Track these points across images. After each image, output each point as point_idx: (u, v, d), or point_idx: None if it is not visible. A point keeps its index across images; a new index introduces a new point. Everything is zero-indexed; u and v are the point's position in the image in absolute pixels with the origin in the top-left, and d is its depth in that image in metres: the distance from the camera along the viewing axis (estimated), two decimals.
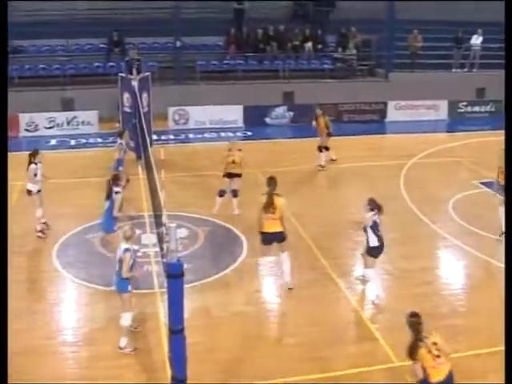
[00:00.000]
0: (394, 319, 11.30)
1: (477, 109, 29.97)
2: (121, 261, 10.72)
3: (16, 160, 21.88)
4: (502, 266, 10.47)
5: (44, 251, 14.66)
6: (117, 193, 13.40)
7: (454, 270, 14.43)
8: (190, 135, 25.97)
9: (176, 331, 8.53)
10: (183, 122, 27.01)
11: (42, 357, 10.83)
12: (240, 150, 16.91)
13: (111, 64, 28.42)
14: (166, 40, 29.27)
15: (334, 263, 14.06)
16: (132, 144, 20.72)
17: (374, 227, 12.24)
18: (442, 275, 14.07)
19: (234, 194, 16.83)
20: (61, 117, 25.90)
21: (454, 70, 31.45)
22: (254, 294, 13.00)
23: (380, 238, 12.31)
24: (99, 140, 24.51)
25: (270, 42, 30.27)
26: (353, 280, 13.48)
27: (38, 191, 15.71)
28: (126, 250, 10.68)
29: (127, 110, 21.60)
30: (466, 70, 31.68)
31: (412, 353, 8.38)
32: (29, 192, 15.68)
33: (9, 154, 20.06)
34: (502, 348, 8.57)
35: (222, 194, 16.79)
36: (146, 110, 21.25)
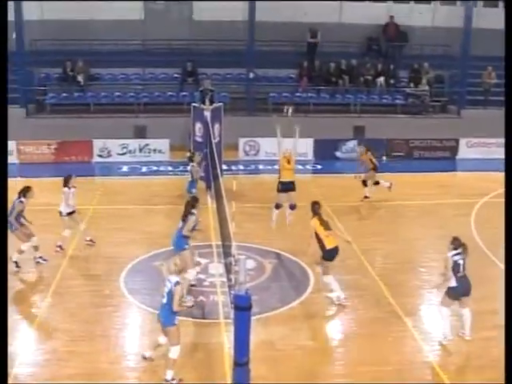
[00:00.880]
0: (462, 362, 11.04)
1: None
2: (171, 294, 10.35)
3: (88, 185, 22.49)
4: None
5: (112, 276, 14.82)
6: (192, 214, 13.63)
7: None
8: (260, 166, 26.09)
9: (241, 364, 8.50)
10: (253, 153, 27.20)
11: (105, 381, 10.90)
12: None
13: (184, 93, 28.93)
14: (238, 71, 29.63)
15: (400, 301, 13.83)
16: (202, 173, 20.92)
17: (455, 268, 11.91)
18: None
19: (291, 207, 17.01)
20: (133, 144, 26.39)
21: None
22: (319, 328, 12.90)
23: (460, 280, 11.95)
24: (170, 168, 24.85)
25: (342, 76, 30.32)
26: (419, 319, 13.24)
27: (69, 213, 16.41)
28: (177, 283, 10.36)
29: (198, 139, 21.84)
30: None
31: None
32: (60, 213, 16.45)
33: (81, 178, 20.78)
34: None
35: (278, 206, 16.99)
36: (217, 140, 21.44)
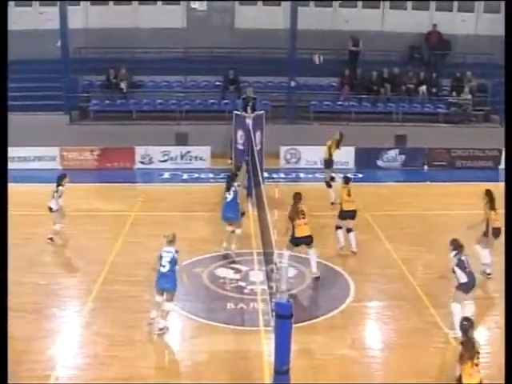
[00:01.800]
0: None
1: None
2: (174, 261, 12.69)
3: (129, 192, 22.71)
4: None
5: (152, 282, 14.84)
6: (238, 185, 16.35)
7: None
8: (301, 174, 26.04)
9: (282, 372, 8.49)
10: (294, 161, 27.15)
11: None
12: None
13: (226, 101, 29.00)
14: (280, 79, 29.62)
15: (442, 312, 13.67)
16: (245, 181, 21.00)
17: (461, 265, 12.48)
18: None
19: (349, 230, 16.99)
20: (175, 151, 26.53)
21: None
22: (359, 338, 12.83)
23: (469, 275, 12.50)
24: (211, 175, 24.92)
25: (384, 85, 30.14)
26: None
27: (57, 210, 17.52)
28: (177, 251, 12.71)
29: (240, 147, 21.89)
30: None
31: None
32: (50, 209, 17.46)
33: (122, 185, 20.99)
34: None
35: (338, 227, 17.00)
36: (258, 147, 21.47)
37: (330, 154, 21.54)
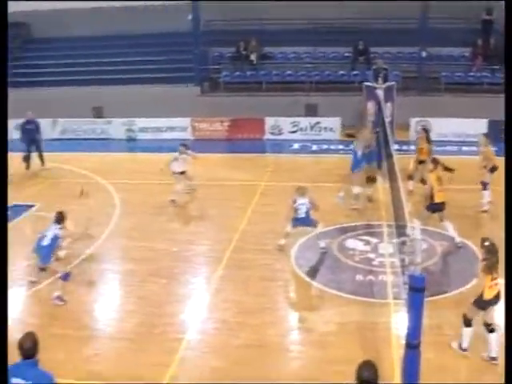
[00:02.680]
0: None
1: None
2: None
3: (259, 162, 22.92)
4: None
5: (282, 250, 15.00)
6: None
7: None
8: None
9: (413, 345, 8.35)
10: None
11: (274, 353, 11.09)
12: None
13: (355, 72, 28.66)
14: (410, 50, 28.95)
15: None
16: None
17: None
18: None
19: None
20: (304, 122, 26.52)
21: None
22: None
23: None
24: (340, 147, 24.65)
25: None
26: None
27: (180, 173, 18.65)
28: None
29: (370, 118, 21.65)
30: None
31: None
32: (173, 172, 18.64)
33: (252, 155, 21.21)
34: None
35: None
36: (389, 119, 21.13)
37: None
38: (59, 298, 12.92)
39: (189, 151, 18.80)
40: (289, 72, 29.32)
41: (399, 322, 11.20)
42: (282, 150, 24.15)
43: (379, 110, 20.49)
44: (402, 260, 9.55)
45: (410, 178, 18.03)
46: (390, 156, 15.55)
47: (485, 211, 17.31)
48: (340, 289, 13.04)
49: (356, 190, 17.29)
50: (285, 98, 27.56)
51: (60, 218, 13.37)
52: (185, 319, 12.37)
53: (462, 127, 26.03)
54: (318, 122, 26.63)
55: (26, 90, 30.57)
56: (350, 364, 10.42)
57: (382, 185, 18.52)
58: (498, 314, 10.30)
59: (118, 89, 29.23)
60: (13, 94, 30.14)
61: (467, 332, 10.63)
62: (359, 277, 13.65)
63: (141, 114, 27.53)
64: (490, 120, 25.92)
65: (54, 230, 13.16)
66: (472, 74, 28.96)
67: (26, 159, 22.53)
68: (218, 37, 29.86)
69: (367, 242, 15.31)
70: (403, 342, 8.81)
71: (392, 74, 25.86)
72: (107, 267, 14.40)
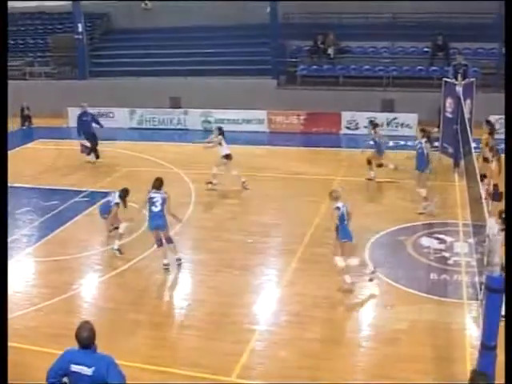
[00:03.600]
0: None
1: None
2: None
3: (335, 156, 22.87)
4: None
5: (357, 246, 14.89)
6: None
7: None
8: None
9: (489, 347, 8.23)
10: (503, 132, 25.95)
11: (345, 348, 11.14)
12: None
13: (434, 68, 28.24)
14: (491, 46, 28.32)
15: None
16: (450, 150, 20.45)
17: None
18: None
19: None
20: (381, 117, 26.26)
21: None
22: None
23: None
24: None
25: None
26: None
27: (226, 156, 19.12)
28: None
29: (449, 115, 21.26)
30: None
31: None
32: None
33: (328, 149, 21.16)
34: None
35: None
36: (468, 116, 20.75)
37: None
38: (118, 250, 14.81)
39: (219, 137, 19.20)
40: (366, 67, 29.09)
41: (473, 322, 11.07)
42: (357, 145, 23.98)
43: (458, 107, 20.13)
44: (480, 260, 9.39)
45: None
46: (468, 154, 15.31)
47: None
48: (413, 287, 12.92)
49: (423, 192, 16.84)
50: (361, 92, 27.36)
51: (123, 194, 15.43)
52: (257, 311, 12.48)
53: None
54: (394, 118, 26.35)
55: (105, 80, 31.25)
56: (420, 363, 10.49)
57: (458, 183, 18.26)
58: None
59: (196, 80, 29.61)
60: (92, 84, 31.33)
61: None
62: (433, 275, 13.51)
63: (217, 106, 27.77)
64: None
65: (114, 197, 15.45)
66: None
67: (92, 151, 22.90)
68: (295, 30, 29.88)
69: (442, 241, 15.11)
70: (477, 343, 8.70)
71: (472, 71, 25.37)
72: (181, 256, 14.61)
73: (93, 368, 6.98)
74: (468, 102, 21.22)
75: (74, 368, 7.05)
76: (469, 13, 27.81)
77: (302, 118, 27.04)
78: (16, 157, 23.78)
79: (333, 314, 12.18)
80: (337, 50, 29.65)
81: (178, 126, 28.45)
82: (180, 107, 29.27)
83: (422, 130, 16.97)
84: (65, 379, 7.18)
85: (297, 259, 14.43)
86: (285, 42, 30.47)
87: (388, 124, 26.28)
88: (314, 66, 29.61)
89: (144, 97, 29.14)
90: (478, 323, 9.81)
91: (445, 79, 22.37)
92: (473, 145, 21.40)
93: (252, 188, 19.12)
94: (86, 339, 7.08)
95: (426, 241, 15.23)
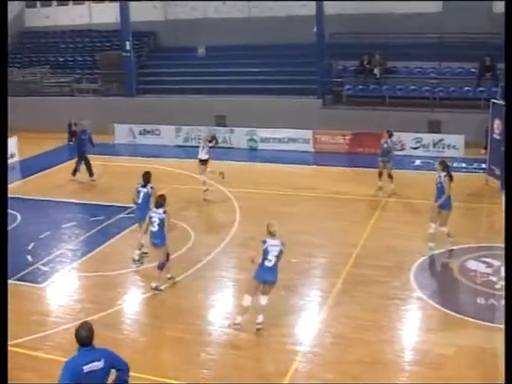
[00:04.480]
0: None
1: None
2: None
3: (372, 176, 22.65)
4: None
5: (403, 268, 14.78)
6: None
7: None
8: None
9: None
10: None
11: (389, 371, 11.03)
12: None
13: (481, 89, 27.95)
14: None
15: None
16: (497, 172, 20.20)
17: None
18: None
19: None
20: (427, 138, 26.07)
21: None
22: None
23: None
24: (463, 165, 24.10)
25: None
26: None
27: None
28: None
29: (496, 136, 21.02)
30: None
31: None
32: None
33: (375, 170, 21.00)
34: None
35: None
36: None
37: None
38: (156, 288, 14.03)
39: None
40: (412, 87, 28.93)
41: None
42: (403, 166, 23.76)
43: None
44: None
45: None
46: None
47: None
48: (459, 311, 12.76)
49: (445, 230, 16.00)
50: (408, 113, 27.17)
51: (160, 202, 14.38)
52: (301, 331, 12.42)
53: None
54: (441, 139, 26.07)
55: (152, 97, 31.60)
56: None
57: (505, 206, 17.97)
58: None
59: (241, 98, 29.74)
60: (139, 101, 31.68)
61: None
62: (480, 299, 13.31)
63: (263, 125, 27.85)
64: None
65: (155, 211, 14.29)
66: None
67: (78, 171, 23.38)
68: (341, 50, 29.88)
69: (489, 265, 14.90)
70: None
71: None
72: (224, 274, 14.60)
73: (102, 359, 7.37)
74: None
75: (87, 368, 7.27)
76: None
77: (347, 137, 26.93)
78: (62, 172, 24.14)
79: (377, 336, 12.05)
80: (383, 70, 29.55)
81: (223, 144, 28.55)
82: (225, 125, 29.41)
83: (442, 163, 16.42)
84: None
85: (341, 280, 14.35)
86: (331, 61, 30.50)
87: (434, 145, 26.06)
88: (360, 86, 29.57)
89: (190, 114, 29.37)
90: None
91: (493, 100, 22.14)
92: None
93: (295, 207, 19.08)
94: (87, 337, 7.39)
95: (472, 264, 15.03)
